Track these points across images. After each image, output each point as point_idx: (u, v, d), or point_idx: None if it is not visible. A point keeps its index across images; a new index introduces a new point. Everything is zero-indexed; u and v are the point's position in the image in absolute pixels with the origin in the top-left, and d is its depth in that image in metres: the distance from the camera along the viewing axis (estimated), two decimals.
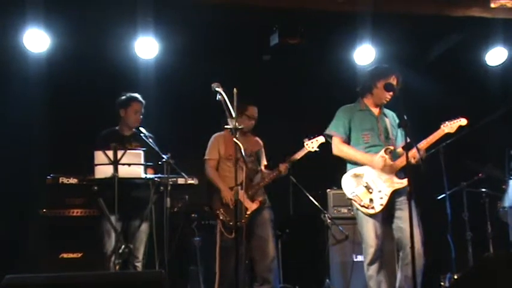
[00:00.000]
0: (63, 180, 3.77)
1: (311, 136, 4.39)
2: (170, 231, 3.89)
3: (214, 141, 4.54)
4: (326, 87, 5.54)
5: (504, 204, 4.71)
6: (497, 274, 2.85)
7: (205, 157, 4.52)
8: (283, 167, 4.39)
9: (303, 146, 4.39)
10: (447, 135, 3.98)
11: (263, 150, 4.67)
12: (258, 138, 4.68)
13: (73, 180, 3.78)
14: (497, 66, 5.47)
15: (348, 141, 4.04)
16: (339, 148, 4.02)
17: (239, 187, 3.84)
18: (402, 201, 3.89)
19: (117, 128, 4.41)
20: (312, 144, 4.38)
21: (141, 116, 4.36)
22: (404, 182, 3.84)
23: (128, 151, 3.83)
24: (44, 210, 4.14)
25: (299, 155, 4.40)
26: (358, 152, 3.98)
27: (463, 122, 3.94)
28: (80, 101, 5.12)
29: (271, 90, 5.55)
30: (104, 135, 4.33)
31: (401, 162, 3.84)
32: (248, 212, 4.29)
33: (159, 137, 4.27)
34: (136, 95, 4.39)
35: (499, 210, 4.78)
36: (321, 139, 4.37)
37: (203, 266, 4.63)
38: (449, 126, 3.92)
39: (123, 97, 4.38)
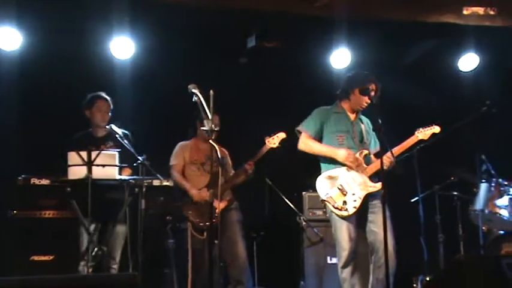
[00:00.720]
0: (35, 181, 3.69)
1: (271, 133, 4.41)
2: (144, 233, 3.85)
3: (179, 149, 4.59)
4: (302, 90, 5.56)
5: (475, 207, 4.79)
6: (468, 276, 2.91)
7: (170, 163, 4.53)
8: (248, 165, 4.39)
9: (264, 143, 4.40)
10: (420, 141, 4.05)
11: (229, 159, 4.67)
12: (223, 149, 4.68)
13: (45, 181, 3.71)
14: (469, 71, 5.58)
15: (318, 140, 4.04)
16: (304, 143, 4.02)
17: (212, 190, 3.83)
18: (376, 205, 3.92)
19: (90, 130, 4.34)
20: (273, 141, 4.42)
21: (109, 114, 4.29)
22: (378, 186, 3.88)
23: (103, 152, 3.77)
24: (15, 211, 4.05)
25: (261, 153, 4.42)
26: (323, 146, 3.99)
27: (436, 129, 4.02)
28: (53, 101, 5.02)
29: (248, 93, 5.55)
30: (77, 138, 4.26)
31: (375, 166, 3.88)
32: (217, 211, 4.28)
33: (134, 138, 4.23)
34: (101, 93, 4.33)
35: (470, 213, 4.86)
36: (281, 135, 4.42)
37: (177, 268, 4.60)
38: (423, 133, 4.00)
39: (87, 97, 4.31)
